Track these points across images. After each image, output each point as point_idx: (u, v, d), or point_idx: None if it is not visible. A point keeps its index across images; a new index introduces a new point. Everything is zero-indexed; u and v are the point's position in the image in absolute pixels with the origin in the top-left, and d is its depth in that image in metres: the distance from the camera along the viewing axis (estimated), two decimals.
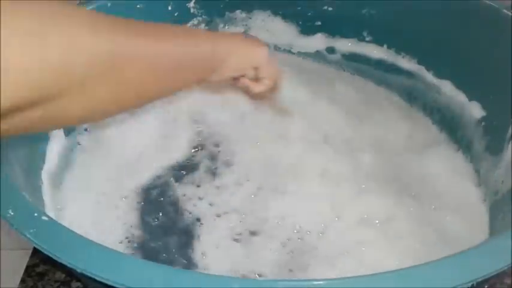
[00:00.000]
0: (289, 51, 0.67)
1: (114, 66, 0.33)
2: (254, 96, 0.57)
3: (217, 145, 0.57)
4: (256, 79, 0.53)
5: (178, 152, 0.57)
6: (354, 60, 0.65)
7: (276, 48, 0.67)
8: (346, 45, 0.65)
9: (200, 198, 0.52)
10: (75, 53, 0.30)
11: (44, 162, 0.49)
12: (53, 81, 0.29)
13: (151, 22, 0.39)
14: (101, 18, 0.34)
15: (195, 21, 0.64)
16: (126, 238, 0.49)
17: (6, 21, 0.26)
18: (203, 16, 0.65)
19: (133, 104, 0.41)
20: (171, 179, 0.54)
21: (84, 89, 0.32)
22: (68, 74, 0.30)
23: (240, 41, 0.49)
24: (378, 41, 0.63)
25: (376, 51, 0.64)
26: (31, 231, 0.33)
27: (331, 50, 0.66)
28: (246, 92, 0.56)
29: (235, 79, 0.52)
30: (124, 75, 0.35)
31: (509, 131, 0.50)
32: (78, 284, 0.48)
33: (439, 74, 0.60)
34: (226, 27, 0.66)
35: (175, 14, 0.62)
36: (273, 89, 0.55)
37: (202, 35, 0.48)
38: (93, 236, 0.46)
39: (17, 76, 0.27)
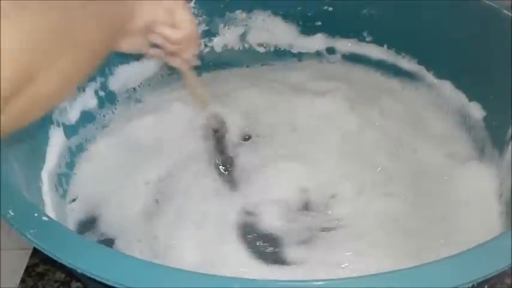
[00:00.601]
0: (289, 52, 0.67)
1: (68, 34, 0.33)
2: (170, 54, 0.53)
3: None
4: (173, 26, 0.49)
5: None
6: (354, 61, 0.65)
7: (276, 48, 0.67)
8: (346, 45, 0.65)
9: None
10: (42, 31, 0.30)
11: (44, 162, 0.49)
12: (32, 60, 0.30)
13: None
14: None
15: None
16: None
17: None
18: (203, 16, 0.65)
19: (89, 61, 0.37)
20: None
21: (52, 63, 0.31)
22: (40, 51, 0.30)
23: None
24: (378, 41, 0.63)
25: (376, 51, 0.64)
26: (31, 231, 0.33)
27: (331, 50, 0.66)
28: (162, 46, 0.51)
29: (150, 30, 0.48)
30: (76, 37, 0.34)
31: (509, 131, 0.50)
32: (78, 284, 0.48)
33: (439, 74, 0.60)
34: (227, 27, 0.66)
35: None
36: (190, 42, 0.51)
37: None
38: None
39: (9, 57, 0.28)
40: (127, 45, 0.46)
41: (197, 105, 0.59)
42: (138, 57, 0.60)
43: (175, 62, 0.54)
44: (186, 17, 0.49)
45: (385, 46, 0.63)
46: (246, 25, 0.66)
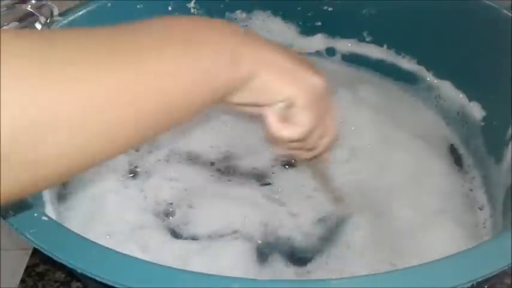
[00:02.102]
0: None
1: (97, 117, 0.26)
2: (275, 143, 0.40)
3: None
4: (287, 120, 0.36)
5: None
6: (354, 61, 0.65)
7: None
8: (346, 45, 0.65)
9: None
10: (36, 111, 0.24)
11: None
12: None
13: (132, 24, 0.30)
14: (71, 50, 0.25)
15: None
16: None
17: None
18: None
19: (127, 145, 0.29)
20: None
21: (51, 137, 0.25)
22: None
23: (282, 57, 0.35)
24: (378, 41, 0.63)
25: (376, 51, 0.64)
26: (31, 231, 0.33)
27: (331, 50, 0.66)
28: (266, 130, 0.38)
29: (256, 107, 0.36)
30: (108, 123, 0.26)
31: (509, 131, 0.50)
32: (78, 284, 0.48)
33: (439, 74, 0.60)
34: None
35: (175, 14, 0.62)
36: (313, 146, 0.40)
37: (215, 35, 0.32)
38: None
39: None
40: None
41: (330, 198, 0.52)
42: None
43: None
44: (303, 116, 0.36)
45: (385, 46, 0.63)
46: (246, 25, 0.66)
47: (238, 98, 0.34)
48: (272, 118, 0.36)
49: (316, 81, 0.36)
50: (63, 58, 0.25)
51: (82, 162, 0.27)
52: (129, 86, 0.27)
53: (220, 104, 0.34)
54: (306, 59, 0.38)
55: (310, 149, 0.41)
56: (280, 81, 0.35)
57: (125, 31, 0.29)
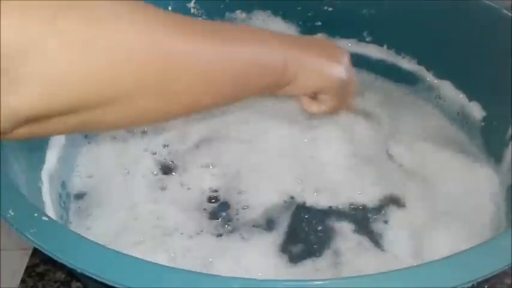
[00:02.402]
0: None
1: (167, 77, 0.29)
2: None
3: None
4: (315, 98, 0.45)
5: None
6: (353, 61, 0.65)
7: None
8: (346, 45, 0.65)
9: None
10: (125, 62, 0.27)
11: (44, 162, 0.49)
12: (96, 92, 0.26)
13: (210, 21, 0.36)
14: (154, 14, 0.29)
15: None
16: None
17: (47, 19, 0.24)
18: (203, 16, 0.65)
19: (180, 114, 0.35)
20: None
21: (129, 101, 0.28)
22: (115, 86, 0.27)
23: (313, 56, 0.41)
24: (378, 41, 0.63)
25: (376, 51, 0.64)
26: (31, 231, 0.33)
27: None
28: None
29: None
30: (176, 86, 0.30)
31: (509, 131, 0.50)
32: (78, 284, 0.48)
33: (439, 74, 0.60)
34: None
35: None
36: (337, 106, 0.47)
37: (273, 38, 0.39)
38: None
39: (57, 82, 0.25)
40: None
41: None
42: None
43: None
44: (329, 101, 0.45)
45: (385, 46, 0.63)
46: None
47: (279, 92, 0.41)
48: (305, 101, 0.45)
49: (339, 74, 0.43)
50: (178, 25, 0.30)
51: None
52: (220, 58, 0.33)
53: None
54: (332, 44, 0.47)
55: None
56: (313, 79, 0.41)
57: (222, 24, 0.39)
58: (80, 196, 0.52)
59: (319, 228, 0.50)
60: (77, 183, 0.53)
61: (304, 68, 0.40)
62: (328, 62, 0.43)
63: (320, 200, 0.52)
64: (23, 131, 0.27)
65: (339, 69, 0.43)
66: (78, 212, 0.51)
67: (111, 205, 0.51)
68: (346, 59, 0.45)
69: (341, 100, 0.46)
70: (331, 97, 0.44)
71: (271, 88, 0.39)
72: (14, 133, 0.27)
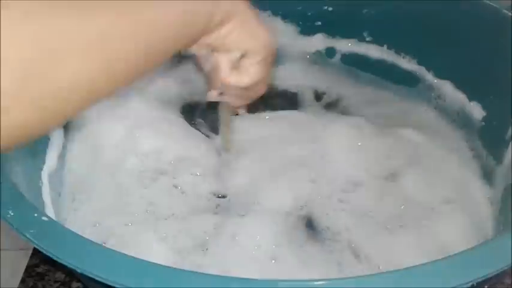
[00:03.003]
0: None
1: (102, 48, 0.29)
2: (219, 86, 0.44)
3: None
4: (236, 68, 0.42)
5: None
6: (354, 61, 0.65)
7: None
8: (346, 45, 0.65)
9: None
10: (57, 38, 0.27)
11: (44, 162, 0.49)
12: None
13: None
14: None
15: None
16: None
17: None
18: None
19: (123, 80, 0.33)
20: None
21: (62, 65, 0.27)
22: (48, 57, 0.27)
23: (249, 12, 0.40)
24: (378, 41, 0.63)
25: (376, 52, 0.64)
26: (31, 231, 0.33)
27: (331, 50, 0.66)
28: (213, 72, 0.43)
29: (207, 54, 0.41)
30: (111, 54, 0.30)
31: (509, 131, 0.50)
32: (78, 284, 0.48)
33: (439, 74, 0.60)
34: None
35: None
36: (249, 92, 0.45)
37: None
38: None
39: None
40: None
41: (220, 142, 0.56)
42: None
43: (223, 98, 0.47)
44: (255, 69, 0.42)
45: (385, 46, 0.63)
46: None
47: (208, 39, 0.38)
48: (225, 64, 0.41)
49: (272, 39, 0.42)
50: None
51: (87, 96, 0.30)
52: (128, 19, 0.31)
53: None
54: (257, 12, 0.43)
55: (246, 98, 0.46)
56: (243, 32, 0.39)
57: None
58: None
59: None
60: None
61: (237, 18, 0.38)
62: (263, 23, 0.41)
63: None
64: None
65: (271, 35, 0.42)
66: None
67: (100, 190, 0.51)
68: (269, 33, 0.43)
69: (266, 73, 0.43)
70: (256, 64, 0.41)
71: (195, 37, 0.37)
72: None
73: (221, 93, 0.45)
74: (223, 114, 0.52)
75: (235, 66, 0.41)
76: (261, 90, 0.47)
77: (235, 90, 0.44)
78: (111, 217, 0.48)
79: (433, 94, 0.61)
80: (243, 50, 0.40)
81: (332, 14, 0.64)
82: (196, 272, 0.30)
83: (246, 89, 0.44)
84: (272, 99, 0.61)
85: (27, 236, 0.32)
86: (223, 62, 0.41)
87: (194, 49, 0.40)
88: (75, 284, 0.48)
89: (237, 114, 0.54)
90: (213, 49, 0.40)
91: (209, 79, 0.44)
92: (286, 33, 0.66)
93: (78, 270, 0.31)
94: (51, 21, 0.27)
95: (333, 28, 0.65)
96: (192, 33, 0.37)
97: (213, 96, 0.45)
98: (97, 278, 0.30)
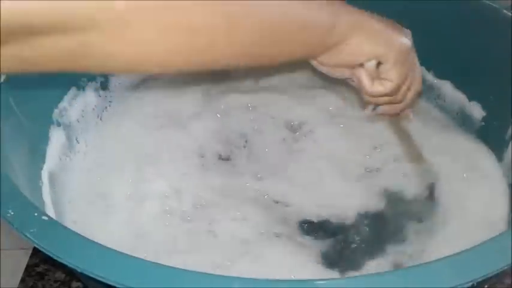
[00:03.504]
0: None
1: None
2: (369, 99, 0.45)
3: None
4: (377, 77, 0.42)
5: None
6: None
7: None
8: None
9: None
10: None
11: (44, 162, 0.49)
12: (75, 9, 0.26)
13: None
14: None
15: None
16: None
17: None
18: None
19: (204, 60, 0.34)
20: None
21: (129, 28, 0.28)
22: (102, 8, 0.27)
23: (370, 19, 0.40)
24: None
25: None
26: (31, 231, 0.33)
27: None
28: (358, 88, 0.44)
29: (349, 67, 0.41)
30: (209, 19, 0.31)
31: (509, 131, 0.50)
32: (78, 284, 0.48)
33: (439, 74, 0.60)
34: None
35: None
36: (402, 99, 0.45)
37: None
38: None
39: None
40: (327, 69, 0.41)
41: (409, 159, 0.54)
42: None
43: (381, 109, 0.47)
44: (393, 73, 0.42)
45: None
46: None
47: (330, 58, 0.39)
48: (364, 77, 0.41)
49: (402, 40, 0.41)
50: None
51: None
52: (247, 12, 0.32)
53: (314, 63, 0.40)
54: (391, 20, 0.43)
55: (398, 103, 0.46)
56: (370, 42, 0.39)
57: None
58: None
59: None
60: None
61: (360, 29, 0.38)
62: (390, 29, 0.41)
63: None
64: (13, 51, 0.27)
65: (402, 36, 0.41)
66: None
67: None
68: (409, 34, 0.43)
69: (406, 73, 0.42)
70: (393, 67, 0.41)
71: (316, 47, 0.38)
72: (3, 53, 0.26)
73: (374, 108, 0.47)
74: (395, 128, 0.52)
75: (375, 76, 0.42)
76: (416, 87, 0.47)
77: (384, 99, 0.44)
78: None
79: (433, 94, 0.61)
80: (377, 59, 0.41)
81: None
82: (197, 272, 0.30)
83: (394, 93, 0.44)
84: None
85: (28, 235, 0.32)
86: (362, 75, 0.42)
87: (338, 74, 0.42)
88: (75, 284, 0.48)
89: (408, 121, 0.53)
90: (352, 67, 0.41)
91: (362, 98, 0.45)
92: None
93: (79, 270, 0.31)
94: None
95: None
96: (312, 42, 0.37)
97: (368, 113, 0.46)
98: (97, 278, 0.30)
